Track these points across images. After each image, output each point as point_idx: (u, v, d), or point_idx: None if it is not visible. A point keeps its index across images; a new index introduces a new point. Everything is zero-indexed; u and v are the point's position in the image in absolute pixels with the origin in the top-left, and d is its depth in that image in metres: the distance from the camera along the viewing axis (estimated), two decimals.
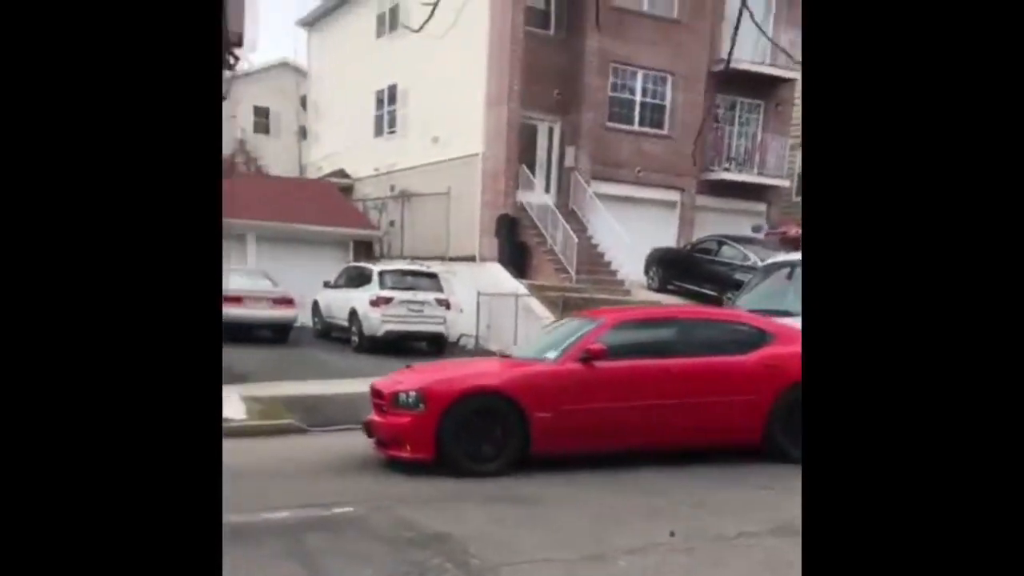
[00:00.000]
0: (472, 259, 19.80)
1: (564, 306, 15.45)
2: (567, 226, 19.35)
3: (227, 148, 31.57)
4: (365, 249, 21.09)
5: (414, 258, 19.93)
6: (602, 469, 7.33)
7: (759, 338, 8.16)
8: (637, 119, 21.70)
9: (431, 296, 16.12)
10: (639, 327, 8.51)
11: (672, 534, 5.36)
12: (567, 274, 18.92)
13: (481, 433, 7.18)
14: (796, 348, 7.73)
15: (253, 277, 16.81)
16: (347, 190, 25.27)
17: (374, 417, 7.70)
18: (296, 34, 35.86)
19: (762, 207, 23.62)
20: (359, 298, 16.08)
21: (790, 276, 11.57)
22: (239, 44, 10.81)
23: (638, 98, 21.70)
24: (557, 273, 19.05)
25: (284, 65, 35.75)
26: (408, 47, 23.09)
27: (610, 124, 21.32)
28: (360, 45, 25.84)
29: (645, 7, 21.16)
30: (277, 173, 29.93)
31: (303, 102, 31.95)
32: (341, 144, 26.51)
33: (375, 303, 15.72)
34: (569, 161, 21.00)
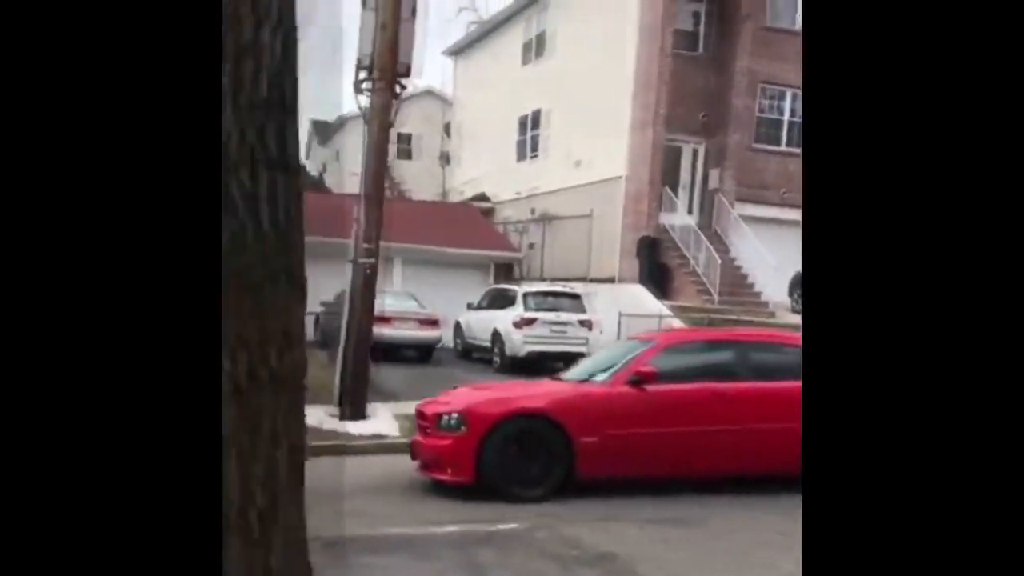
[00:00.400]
0: (612, 280, 19.71)
1: (710, 326, 15.12)
2: (711, 247, 18.99)
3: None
4: (506, 271, 21.33)
5: (554, 279, 20.00)
6: (745, 492, 7.08)
7: None
8: (784, 139, 21.13)
9: (574, 317, 16.11)
10: (693, 349, 8.31)
11: None
12: (709, 296, 18.55)
13: (524, 457, 6.96)
14: None
15: (401, 299, 17.26)
16: (488, 213, 25.69)
17: (418, 438, 7.57)
18: (442, 63, 36.98)
19: None
20: (503, 319, 16.24)
21: None
22: (407, 74, 11.24)
23: (787, 118, 21.13)
24: (699, 295, 18.70)
25: (428, 93, 36.91)
26: (554, 73, 23.47)
27: (756, 145, 20.84)
28: (505, 72, 26.33)
29: (797, 25, 20.61)
30: (420, 197, 30.80)
31: (447, 129, 32.78)
32: (483, 169, 27.02)
33: (518, 324, 15.84)
34: (713, 183, 20.65)
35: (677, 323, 16.20)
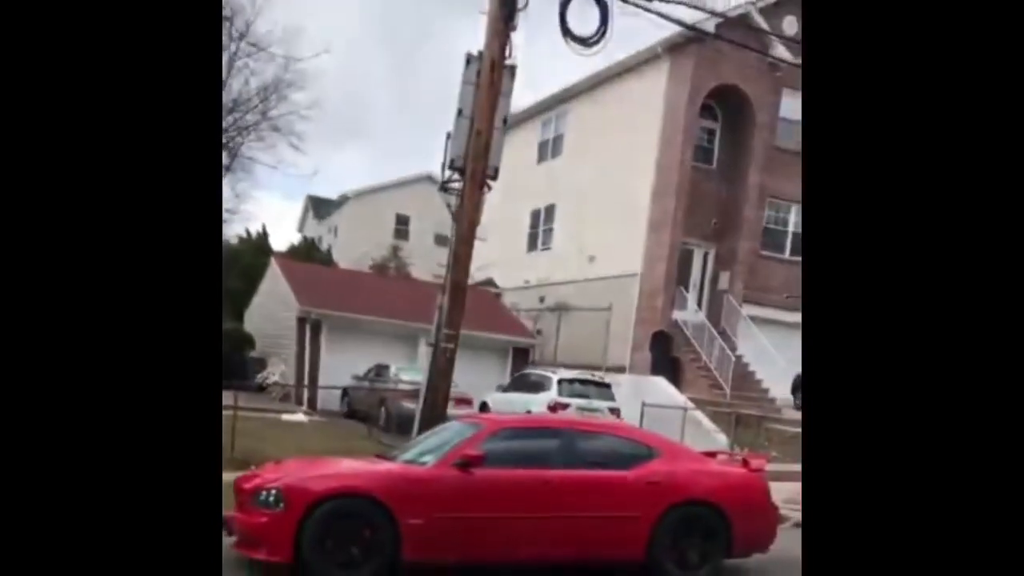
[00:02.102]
0: (622, 370, 20.79)
1: (736, 422, 16.17)
2: (723, 344, 20.23)
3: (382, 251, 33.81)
4: (523, 356, 22.28)
5: (570, 367, 21.00)
6: None
7: (644, 453, 7.88)
8: (788, 248, 22.72)
9: (604, 404, 17.04)
10: (520, 435, 8.05)
11: None
12: (721, 390, 19.67)
13: (345, 538, 6.65)
14: (681, 465, 7.86)
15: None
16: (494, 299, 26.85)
17: (235, 512, 7.06)
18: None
19: None
20: (535, 401, 17.10)
21: None
22: (495, 177, 12.35)
23: (791, 229, 22.77)
24: (711, 388, 19.82)
25: (429, 179, 38.43)
26: (569, 172, 24.98)
27: (763, 252, 22.38)
28: (518, 167, 27.75)
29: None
30: (424, 279, 31.79)
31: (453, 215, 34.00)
32: (492, 256, 28.20)
33: (553, 408, 16.71)
34: (723, 284, 22.05)
35: (700, 415, 17.23)
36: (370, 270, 30.62)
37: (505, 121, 12.77)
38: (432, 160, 39.66)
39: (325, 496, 6.69)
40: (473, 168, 12.35)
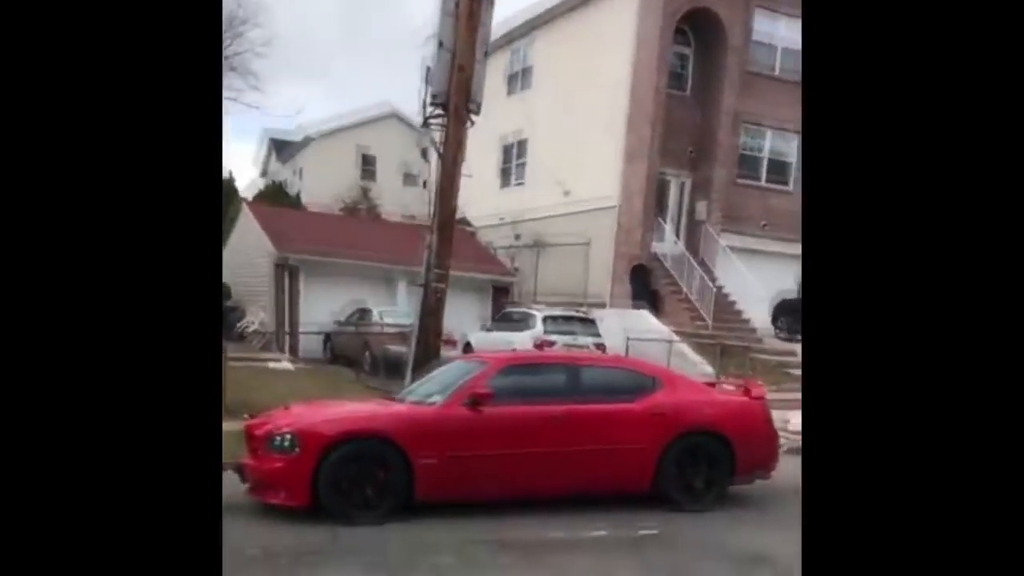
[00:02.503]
0: (603, 305, 20.73)
1: (722, 353, 16.21)
2: (704, 275, 20.20)
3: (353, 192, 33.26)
4: (503, 294, 22.12)
5: (551, 303, 20.90)
6: None
7: (649, 385, 8.00)
8: (764, 175, 22.61)
9: (589, 340, 17.00)
10: (526, 371, 8.13)
11: None
12: (703, 321, 19.70)
13: (360, 479, 6.74)
14: (685, 395, 7.96)
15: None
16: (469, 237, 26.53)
17: (247, 459, 7.15)
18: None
19: None
20: (521, 339, 17.00)
21: None
22: (478, 112, 12.04)
23: (766, 155, 22.64)
24: (692, 320, 19.85)
25: (395, 117, 37.65)
26: (540, 104, 24.50)
27: (739, 180, 22.25)
28: (488, 99, 27.14)
29: (776, 71, 22.16)
30: (395, 219, 31.36)
31: (423, 153, 33.40)
32: (464, 193, 27.76)
33: (539, 345, 16.60)
34: (700, 214, 21.93)
35: (684, 347, 17.26)
36: (340, 212, 30.07)
37: (486, 53, 12.37)
38: (394, 97, 38.73)
39: (340, 439, 6.77)
40: (456, 102, 11.98)
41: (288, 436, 6.81)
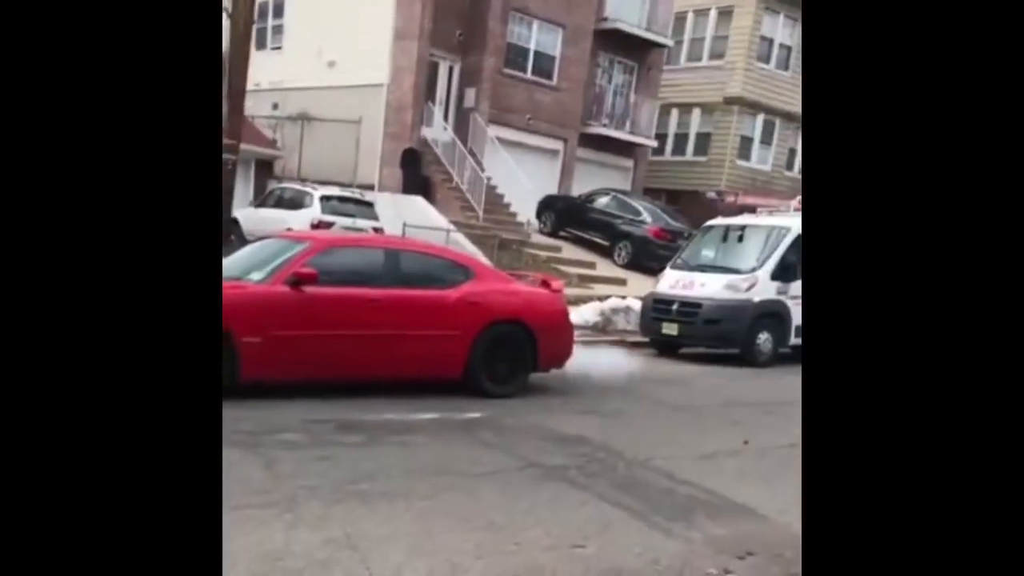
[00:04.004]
0: (371, 188, 20.24)
1: (499, 246, 16.55)
2: (475, 166, 20.29)
3: None
4: (266, 169, 20.82)
5: (318, 183, 20.02)
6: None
7: (462, 274, 8.25)
8: (531, 68, 22.87)
9: (368, 224, 16.58)
10: (346, 253, 8.14)
11: (746, 442, 6.86)
12: (474, 212, 19.91)
13: None
14: (495, 285, 8.42)
15: None
16: None
17: None
18: None
19: (630, 163, 25.76)
20: (297, 220, 16.19)
21: (725, 238, 13.62)
22: None
23: (532, 47, 22.85)
24: (463, 211, 19.96)
25: None
26: None
27: (506, 70, 22.33)
28: None
29: None
30: None
31: None
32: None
33: (315, 226, 15.97)
34: (469, 102, 21.80)
35: (461, 238, 17.40)
36: None
37: None
38: None
39: None
40: None
41: None
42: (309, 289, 7.20)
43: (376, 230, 16.67)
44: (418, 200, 18.93)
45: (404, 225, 17.65)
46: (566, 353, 8.71)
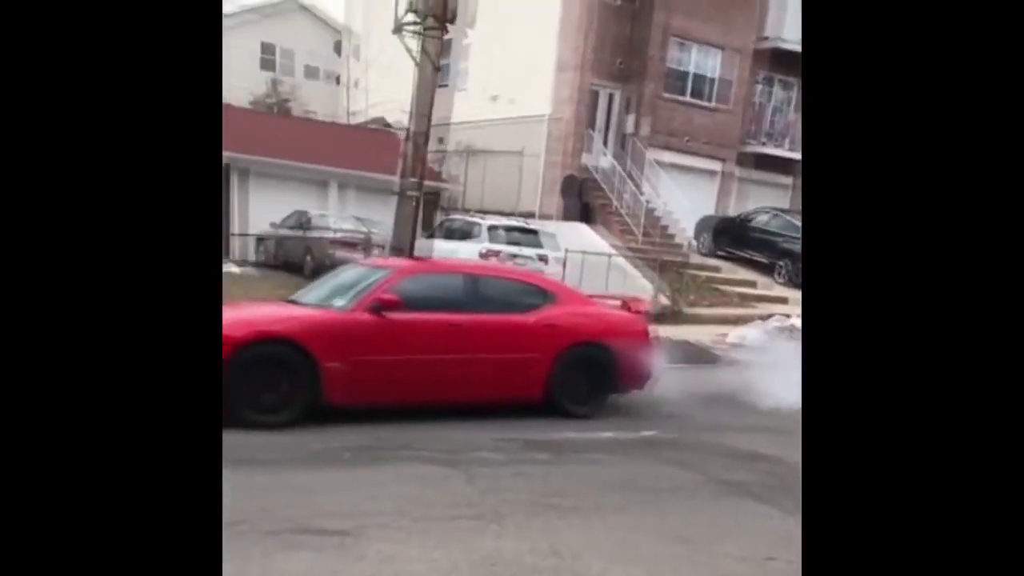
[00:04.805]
0: (531, 215, 20.93)
1: (660, 268, 16.78)
2: (635, 189, 20.63)
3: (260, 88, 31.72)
4: (434, 201, 21.91)
5: (478, 211, 20.91)
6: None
7: (541, 297, 8.36)
8: (689, 91, 23.02)
9: (533, 252, 17.21)
10: (428, 279, 8.29)
11: None
12: (633, 235, 20.22)
13: (266, 383, 6.77)
14: (575, 308, 8.45)
15: (358, 223, 17.73)
16: None
17: None
18: None
19: (789, 180, 25.34)
20: (466, 250, 17.03)
21: None
22: (453, 20, 11.74)
23: (691, 71, 23.00)
24: (623, 234, 20.32)
25: (301, 8, 35.77)
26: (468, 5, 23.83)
27: (665, 95, 22.57)
28: None
29: None
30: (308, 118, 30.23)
31: (336, 48, 32.16)
32: (386, 94, 27.01)
33: (484, 255, 16.73)
34: (629, 127, 22.21)
35: (623, 261, 17.74)
36: (250, 107, 28.67)
37: None
38: None
39: (245, 342, 6.73)
40: (434, 11, 11.65)
41: None
42: (391, 315, 7.36)
43: (540, 257, 17.30)
44: (580, 226, 19.44)
45: (565, 250, 18.19)
46: (648, 374, 8.64)
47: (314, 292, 8.34)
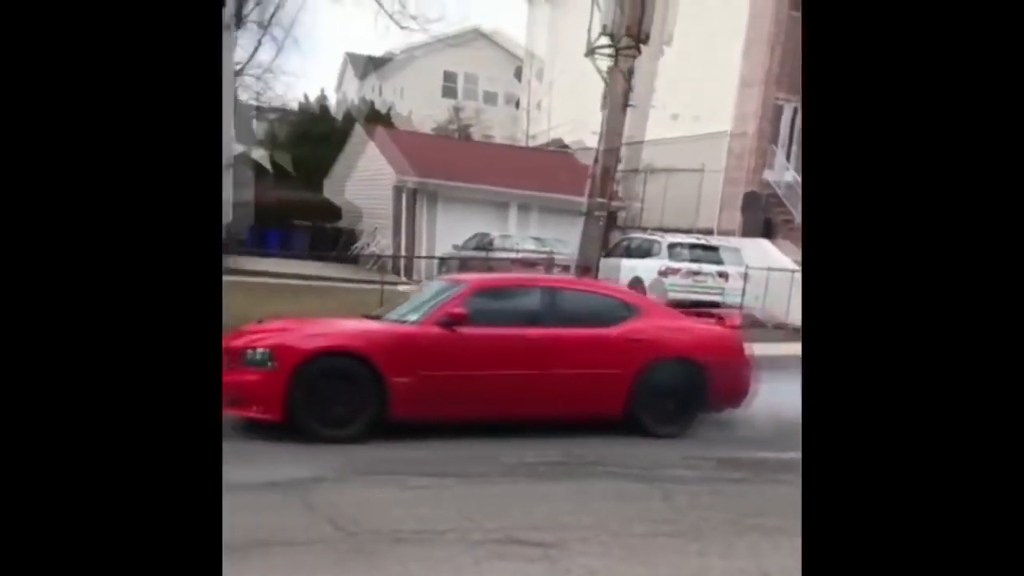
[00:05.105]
0: (709, 232, 20.66)
1: None
2: None
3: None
4: (611, 220, 22.11)
5: (656, 229, 20.88)
6: None
7: (624, 311, 7.99)
8: None
9: (712, 268, 17.04)
10: (502, 294, 8.08)
11: None
12: None
13: (335, 395, 6.76)
14: (660, 322, 7.98)
15: (538, 243, 18.17)
16: None
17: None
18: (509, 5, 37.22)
19: None
20: (645, 267, 17.10)
21: None
22: (646, 42, 11.90)
23: None
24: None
25: (479, 34, 37.19)
26: None
27: None
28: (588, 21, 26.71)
29: None
30: (484, 140, 31.33)
31: (517, 74, 33.17)
32: (565, 116, 27.55)
33: (664, 273, 16.73)
34: None
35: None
36: (432, 132, 30.07)
37: None
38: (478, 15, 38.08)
39: (314, 354, 6.80)
40: (629, 34, 11.89)
41: (263, 351, 6.83)
42: (463, 329, 7.21)
43: (721, 275, 17.09)
44: (763, 242, 19.02)
45: (746, 267, 17.86)
46: (743, 392, 8.03)
47: (399, 308, 8.39)
